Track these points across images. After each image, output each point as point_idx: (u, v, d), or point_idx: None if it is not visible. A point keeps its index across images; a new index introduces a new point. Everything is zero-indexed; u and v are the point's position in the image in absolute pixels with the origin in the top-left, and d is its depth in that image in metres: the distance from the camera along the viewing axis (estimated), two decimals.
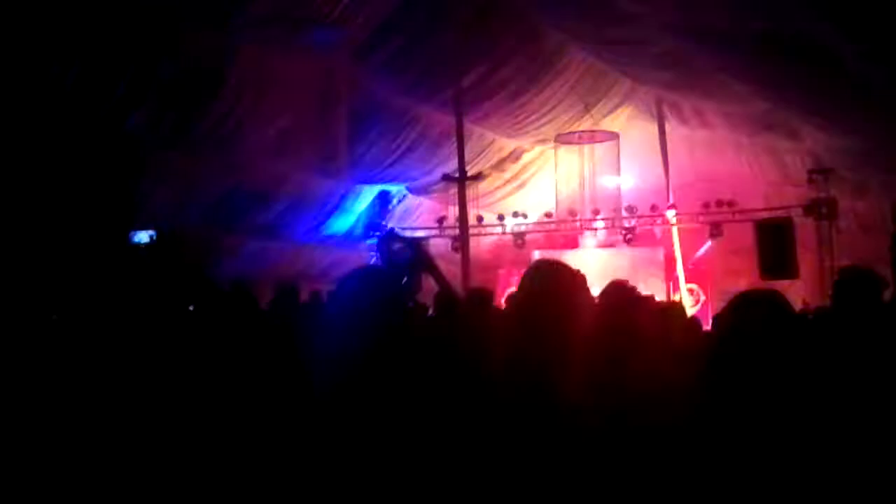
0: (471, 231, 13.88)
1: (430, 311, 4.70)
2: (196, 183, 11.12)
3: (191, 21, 9.09)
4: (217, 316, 3.69)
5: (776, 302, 2.32)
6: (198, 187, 11.21)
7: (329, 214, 14.32)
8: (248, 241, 12.79)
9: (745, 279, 13.76)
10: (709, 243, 15.45)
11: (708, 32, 8.41)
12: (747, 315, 2.31)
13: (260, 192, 12.31)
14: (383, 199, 16.06)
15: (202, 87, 9.87)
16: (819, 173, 13.99)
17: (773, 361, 2.20)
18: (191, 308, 4.02)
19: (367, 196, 15.34)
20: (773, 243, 14.39)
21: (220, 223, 11.88)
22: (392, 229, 11.48)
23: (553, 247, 16.82)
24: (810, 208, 14.26)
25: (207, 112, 10.20)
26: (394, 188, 15.90)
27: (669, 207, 15.48)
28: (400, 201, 16.36)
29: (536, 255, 16.44)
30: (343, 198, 14.35)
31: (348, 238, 15.35)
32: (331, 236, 14.77)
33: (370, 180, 14.50)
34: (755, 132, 13.98)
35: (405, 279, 2.70)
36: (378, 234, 15.50)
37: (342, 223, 14.99)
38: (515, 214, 16.65)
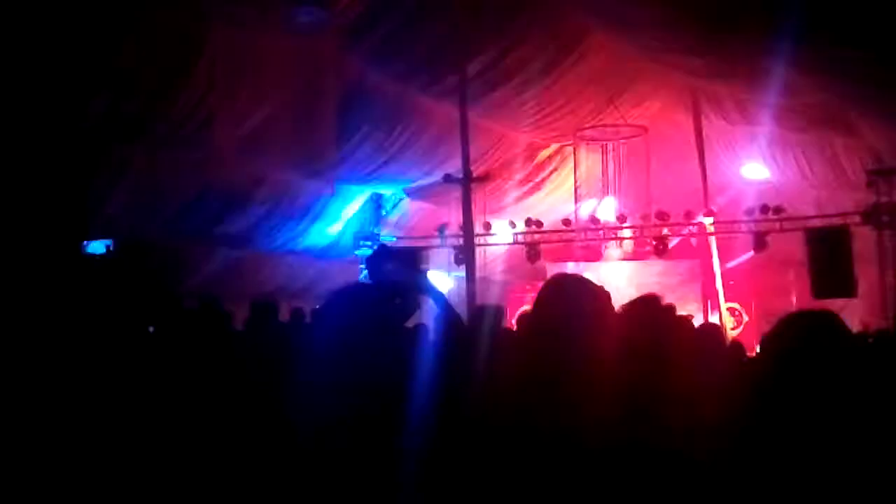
0: (477, 241, 13.87)
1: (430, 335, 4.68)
2: (160, 184, 11.11)
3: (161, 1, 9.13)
4: (183, 338, 3.67)
5: (832, 325, 2.31)
6: (162, 189, 11.21)
7: (313, 221, 14.32)
8: (219, 252, 12.78)
9: (795, 298, 13.74)
10: (749, 253, 15.45)
11: (750, 8, 8.41)
12: (798, 340, 2.29)
13: (234, 194, 12.32)
14: (376, 204, 16.07)
15: (167, 73, 9.87)
16: (880, 174, 13.97)
17: (829, 394, 2.18)
18: (151, 329, 4.01)
19: (356, 200, 15.33)
20: (827, 256, 14.36)
21: (187, 231, 11.87)
22: (383, 245, 11.47)
23: (572, 259, 16.82)
24: (869, 215, 14.23)
25: (173, 102, 10.20)
26: (388, 191, 15.91)
27: (707, 214, 15.47)
28: (395, 206, 16.37)
29: (552, 269, 16.46)
30: (329, 202, 14.35)
31: (335, 248, 15.34)
32: (315, 246, 14.76)
33: (360, 181, 14.50)
34: (806, 127, 13.96)
35: (399, 299, 2.69)
36: (369, 244, 15.52)
37: (328, 231, 14.98)
38: (528, 222, 16.65)
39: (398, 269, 2.90)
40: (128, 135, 10.08)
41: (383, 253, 3.28)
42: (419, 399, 2.22)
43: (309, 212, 14.06)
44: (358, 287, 2.43)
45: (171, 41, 9.64)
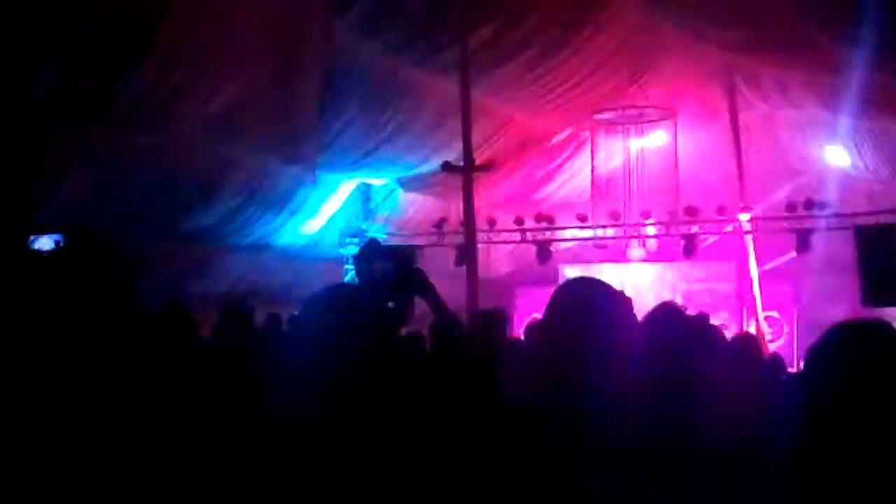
0: (480, 238, 13.86)
1: (427, 345, 4.68)
2: (118, 171, 11.11)
3: None
4: (143, 346, 3.67)
5: (886, 336, 2.30)
6: (120, 177, 11.21)
7: (292, 214, 14.33)
8: (185, 249, 12.79)
9: (844, 305, 13.74)
10: (792, 254, 15.47)
11: None
12: (849, 354, 2.26)
13: (202, 183, 12.32)
14: (364, 196, 16.07)
15: (126, 42, 9.86)
16: None
17: (886, 418, 2.18)
18: (105, 336, 4.00)
19: (342, 190, 15.34)
20: (880, 257, 14.37)
21: (148, 224, 11.86)
22: (373, 240, 11.48)
23: (588, 260, 16.84)
24: None
25: (133, 77, 10.20)
26: (378, 180, 15.91)
27: (743, 210, 15.48)
28: (386, 198, 16.37)
29: (566, 271, 16.48)
30: (311, 192, 14.35)
31: (317, 246, 15.35)
32: (294, 243, 14.76)
33: (347, 169, 14.50)
34: (858, 111, 13.95)
35: (390, 303, 2.70)
36: (356, 241, 15.51)
37: (309, 226, 14.99)
38: (539, 217, 16.65)
39: (390, 267, 2.90)
40: (81, 114, 10.06)
41: (373, 250, 3.29)
42: (411, 424, 2.22)
43: (288, 203, 14.06)
44: (343, 289, 2.43)
45: (130, 4, 9.62)
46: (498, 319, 4.43)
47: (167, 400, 3.28)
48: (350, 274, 15.60)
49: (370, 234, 15.90)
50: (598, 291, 2.46)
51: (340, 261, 15.82)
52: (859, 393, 2.17)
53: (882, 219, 14.70)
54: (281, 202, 13.90)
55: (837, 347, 2.27)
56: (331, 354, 2.09)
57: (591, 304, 2.43)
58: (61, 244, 9.54)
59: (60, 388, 3.27)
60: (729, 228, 16.03)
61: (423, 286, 3.04)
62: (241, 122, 11.69)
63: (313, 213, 14.86)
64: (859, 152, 15.32)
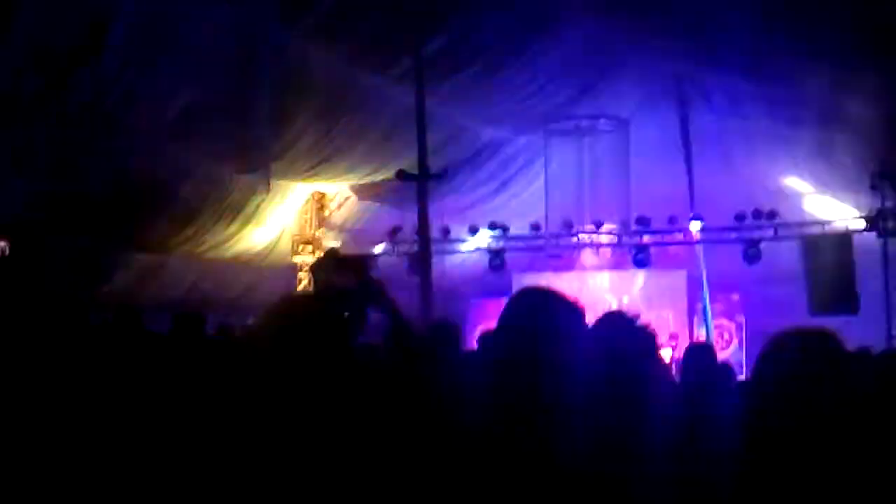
0: (434, 247, 13.83)
1: (382, 355, 4.65)
2: (67, 174, 10.95)
3: None
4: (88, 357, 3.59)
5: (829, 346, 2.32)
6: (70, 180, 11.04)
7: (246, 222, 14.21)
8: (137, 256, 12.62)
9: (792, 314, 13.90)
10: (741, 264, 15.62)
11: None
12: (791, 364, 2.30)
13: (155, 189, 12.17)
14: (318, 204, 15.99)
15: (78, 42, 9.72)
16: (884, 177, 14.21)
17: (826, 424, 2.20)
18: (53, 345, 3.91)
19: (296, 198, 15.25)
20: (826, 266, 14.58)
21: (99, 230, 11.70)
22: (331, 250, 11.46)
23: (541, 269, 16.87)
24: (873, 220, 14.47)
25: (85, 77, 10.06)
26: (332, 188, 15.84)
27: (693, 219, 15.62)
28: (340, 206, 16.31)
29: (519, 279, 16.51)
30: (265, 200, 14.26)
31: (270, 254, 15.24)
32: (247, 251, 14.65)
33: (301, 177, 14.42)
34: (805, 123, 14.17)
35: (346, 313, 2.68)
36: (310, 249, 15.45)
37: (262, 233, 14.88)
38: (493, 226, 16.68)
39: (347, 278, 2.88)
40: (28, 114, 9.91)
41: (331, 260, 3.26)
42: (367, 434, 2.19)
43: (241, 211, 13.95)
44: (299, 299, 2.40)
45: (76, 4, 9.48)
46: (452, 331, 4.42)
47: (114, 414, 3.22)
48: (303, 282, 15.53)
49: (324, 242, 15.84)
50: (551, 301, 2.45)
51: (294, 268, 15.72)
52: (805, 400, 2.19)
53: (829, 229, 14.93)
54: (234, 210, 13.79)
55: (784, 356, 2.30)
56: (286, 365, 2.06)
57: (543, 314, 2.42)
58: (5, 251, 9.38)
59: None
60: (680, 238, 16.16)
61: (379, 297, 3.02)
62: (196, 127, 11.58)
63: (266, 220, 14.75)
64: (807, 162, 15.54)
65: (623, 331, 3.86)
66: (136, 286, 12.41)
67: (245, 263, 14.56)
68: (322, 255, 13.36)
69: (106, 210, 11.62)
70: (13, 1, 8.89)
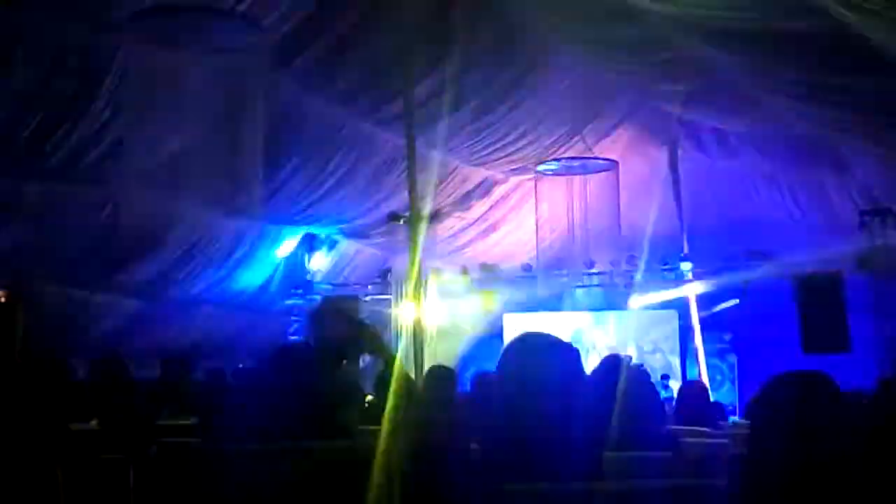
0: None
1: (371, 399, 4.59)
2: (55, 221, 10.91)
3: (58, 10, 8.99)
4: (71, 409, 3.51)
5: (822, 387, 2.35)
6: (57, 227, 10.99)
7: (236, 266, 14.17)
8: (124, 302, 12.56)
9: (785, 353, 13.89)
10: (734, 301, 15.65)
11: (735, 32, 8.56)
12: (784, 407, 2.33)
13: (143, 235, 12.13)
14: (308, 247, 15.96)
15: (69, 92, 9.72)
16: (874, 215, 14.27)
17: (823, 465, 2.20)
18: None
19: (286, 242, 15.22)
20: (818, 305, 14.57)
21: (85, 277, 11.65)
22: (325, 299, 11.45)
23: (532, 308, 16.88)
24: (865, 260, 14.48)
25: (75, 126, 10.05)
26: (323, 231, 15.81)
27: (684, 259, 15.64)
28: (331, 249, 16.28)
29: (510, 319, 16.52)
30: (255, 244, 14.22)
31: (261, 298, 15.18)
32: (238, 295, 14.58)
33: (291, 221, 14.41)
34: (794, 162, 14.25)
35: (345, 362, 2.63)
36: (300, 293, 15.44)
37: (253, 278, 14.83)
38: (484, 267, 16.69)
39: (343, 326, 2.85)
40: (16, 164, 9.87)
41: (327, 307, 3.24)
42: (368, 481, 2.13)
43: (231, 256, 13.91)
44: (299, 349, 2.35)
45: (71, 55, 9.50)
46: (448, 376, 4.36)
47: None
48: (295, 326, 15.46)
49: (315, 285, 15.81)
50: (551, 349, 2.49)
51: (285, 313, 15.66)
52: (803, 443, 2.21)
53: (820, 267, 14.93)
54: (224, 255, 13.76)
55: (780, 399, 2.33)
56: (285, 411, 2.02)
57: (542, 359, 2.45)
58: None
59: None
60: (671, 277, 16.17)
61: (374, 344, 2.98)
62: (186, 172, 11.57)
63: (257, 265, 14.71)
64: (796, 202, 15.61)
65: (620, 374, 3.86)
66: (125, 332, 12.32)
67: (236, 307, 14.48)
68: (318, 303, 13.36)
69: (94, 257, 11.59)
70: (14, 50, 8.91)
